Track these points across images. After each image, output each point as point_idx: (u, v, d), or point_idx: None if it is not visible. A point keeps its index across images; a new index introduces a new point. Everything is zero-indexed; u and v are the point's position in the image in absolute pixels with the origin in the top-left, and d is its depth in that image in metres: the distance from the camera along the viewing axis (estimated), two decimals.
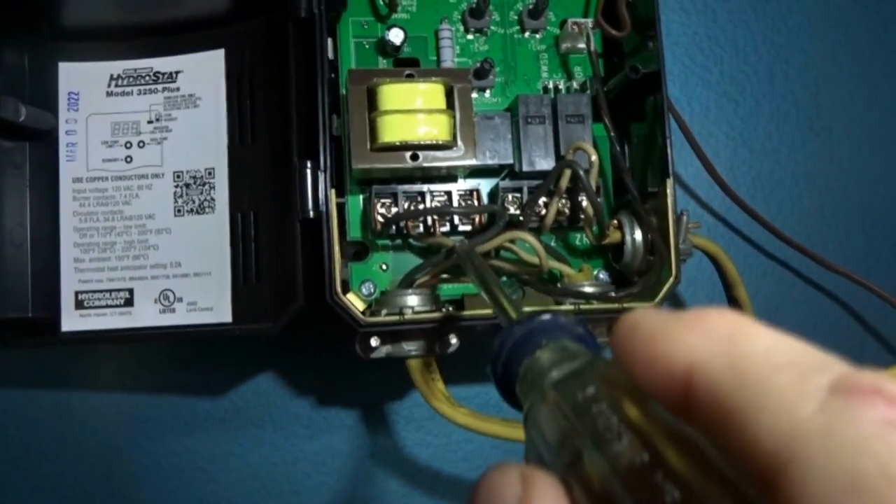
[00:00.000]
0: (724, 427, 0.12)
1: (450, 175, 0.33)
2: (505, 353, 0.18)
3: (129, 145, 0.34)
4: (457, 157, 0.31)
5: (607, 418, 0.13)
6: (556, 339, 0.17)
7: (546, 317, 0.18)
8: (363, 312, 0.30)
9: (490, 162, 0.32)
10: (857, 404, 0.11)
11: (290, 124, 0.31)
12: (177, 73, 0.34)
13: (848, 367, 0.12)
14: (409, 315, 0.30)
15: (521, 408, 0.17)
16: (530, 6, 0.35)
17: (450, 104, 0.31)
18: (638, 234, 0.33)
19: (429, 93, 0.30)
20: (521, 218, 0.32)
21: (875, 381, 0.11)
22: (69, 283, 0.33)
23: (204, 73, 0.34)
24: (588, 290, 0.32)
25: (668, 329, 0.14)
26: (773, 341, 0.13)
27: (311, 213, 0.30)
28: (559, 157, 0.32)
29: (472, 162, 0.31)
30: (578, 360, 0.16)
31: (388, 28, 0.33)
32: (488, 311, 0.30)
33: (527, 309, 0.20)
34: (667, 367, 0.13)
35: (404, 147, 0.30)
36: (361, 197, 0.33)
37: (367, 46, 0.34)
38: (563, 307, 0.31)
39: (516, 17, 0.35)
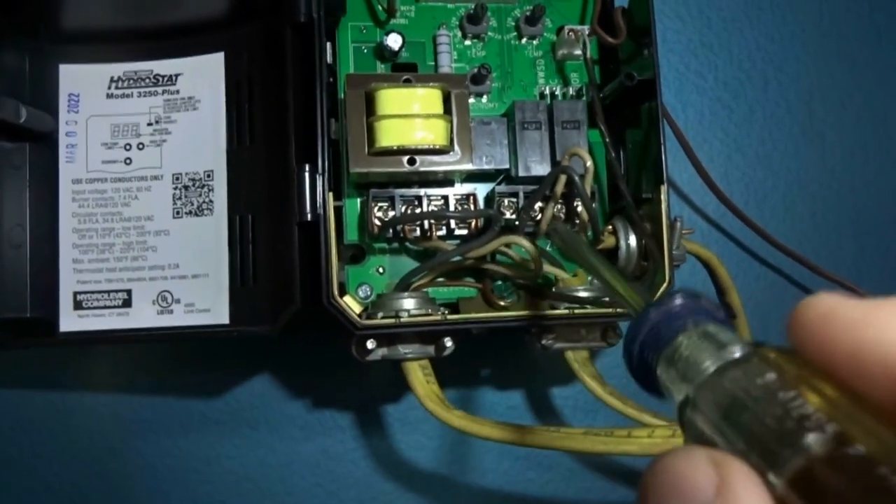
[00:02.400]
0: None
1: (446, 179, 0.33)
2: (641, 339, 0.17)
3: (128, 147, 0.34)
4: (453, 162, 0.31)
5: (801, 406, 0.12)
6: (700, 324, 0.16)
7: (682, 298, 0.17)
8: (359, 315, 0.30)
9: (486, 167, 0.33)
10: None
11: (288, 128, 0.31)
12: (177, 75, 0.34)
13: None
14: (405, 318, 0.30)
15: (661, 395, 0.16)
16: (527, 13, 0.35)
17: (447, 109, 0.31)
18: (632, 240, 0.33)
19: (426, 98, 0.31)
20: (516, 222, 0.33)
21: None
22: (68, 284, 0.33)
23: (203, 76, 0.34)
24: (583, 294, 0.32)
25: (876, 316, 0.12)
26: None
27: (309, 216, 0.30)
28: (555, 163, 0.33)
29: (469, 166, 0.31)
30: (734, 348, 0.15)
31: (387, 33, 0.33)
32: (484, 315, 0.31)
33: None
34: (877, 359, 0.12)
35: (402, 151, 0.30)
36: (359, 200, 0.33)
37: (365, 51, 0.34)
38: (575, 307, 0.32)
39: (513, 24, 0.36)
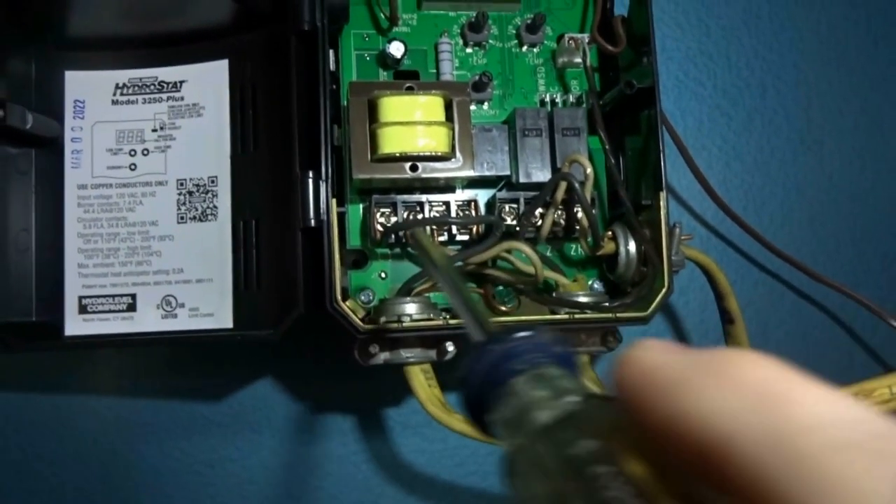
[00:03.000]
0: None
1: (448, 185, 0.33)
2: (477, 377, 0.16)
3: (133, 153, 0.34)
4: (455, 169, 0.31)
5: (618, 489, 0.11)
6: (538, 366, 0.15)
7: (525, 336, 0.16)
8: (362, 319, 0.30)
9: (487, 173, 0.33)
10: None
11: (291, 134, 0.32)
12: (181, 82, 0.35)
13: None
14: (407, 323, 0.30)
15: (493, 437, 0.15)
16: (528, 21, 0.35)
17: (449, 116, 0.32)
18: (632, 246, 0.33)
19: (428, 105, 0.31)
20: (517, 228, 0.33)
21: None
22: (73, 288, 0.34)
23: (208, 82, 0.35)
24: (582, 299, 0.33)
25: (690, 381, 0.11)
26: (823, 407, 0.10)
27: (313, 222, 0.30)
28: (555, 169, 0.33)
29: (470, 173, 0.32)
30: (569, 399, 0.14)
31: (389, 41, 0.34)
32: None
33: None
34: (691, 431, 0.11)
35: (404, 158, 0.31)
36: (361, 206, 0.34)
37: (368, 59, 0.35)
38: (557, 315, 0.32)
39: (514, 32, 0.36)
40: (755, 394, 0.11)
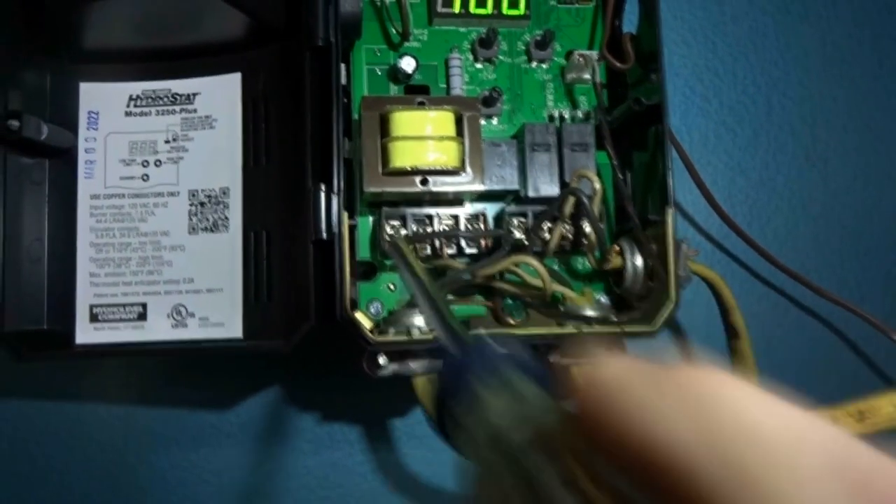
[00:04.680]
0: None
1: (457, 199, 0.34)
2: (441, 385, 0.16)
3: (146, 164, 0.35)
4: (465, 183, 0.32)
5: (549, 476, 0.12)
6: (500, 374, 0.15)
7: (490, 344, 0.16)
8: (371, 331, 0.31)
9: (497, 187, 0.34)
10: None
11: (303, 147, 0.32)
12: (194, 94, 0.35)
13: (867, 456, 0.10)
14: (416, 335, 0.31)
15: (453, 443, 0.16)
16: (538, 37, 0.36)
17: (459, 131, 0.32)
18: (639, 260, 0.34)
19: (439, 120, 0.32)
20: (525, 242, 0.33)
21: None
22: (84, 297, 0.34)
23: (221, 95, 0.35)
24: (590, 313, 0.33)
25: (635, 388, 0.11)
26: (760, 412, 0.10)
27: (325, 235, 0.31)
28: (563, 184, 0.33)
29: (480, 187, 0.32)
30: (526, 410, 0.14)
31: (401, 56, 0.34)
32: (494, 332, 0.31)
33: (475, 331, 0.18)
34: (633, 436, 0.11)
35: (414, 172, 0.31)
36: (371, 218, 0.34)
37: (379, 73, 0.35)
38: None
39: (524, 48, 0.36)
40: (696, 402, 0.11)
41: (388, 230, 0.33)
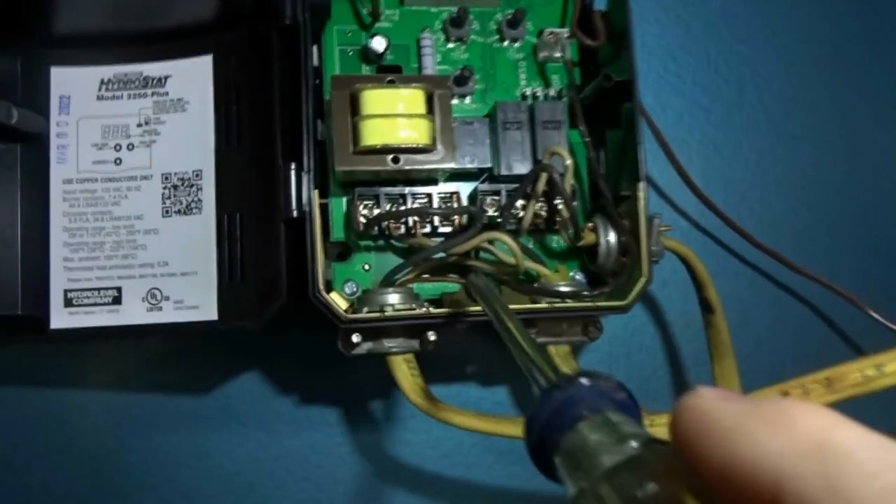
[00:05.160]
0: None
1: (430, 178, 0.34)
2: (541, 422, 0.16)
3: (118, 148, 0.35)
4: (437, 161, 0.32)
5: None
6: (600, 411, 0.16)
7: (586, 382, 0.16)
8: (346, 311, 0.31)
9: (469, 165, 0.34)
10: None
11: (274, 128, 0.32)
12: (166, 78, 0.35)
13: None
14: (389, 312, 0.31)
15: (557, 480, 0.16)
16: (509, 16, 0.36)
17: (430, 109, 0.32)
18: (612, 237, 0.34)
19: (410, 98, 0.32)
20: (499, 220, 0.34)
21: None
22: (58, 282, 0.34)
23: (192, 78, 0.35)
24: (563, 289, 0.33)
25: (747, 427, 0.12)
26: (874, 452, 0.11)
27: (295, 213, 0.31)
28: (536, 162, 0.34)
29: (452, 165, 0.32)
30: (632, 444, 0.14)
31: (372, 36, 0.34)
32: (467, 309, 0.31)
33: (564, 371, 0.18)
34: (746, 475, 0.11)
35: (386, 150, 0.31)
36: (345, 199, 0.34)
37: (350, 54, 0.35)
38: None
39: (495, 27, 0.36)
40: (811, 441, 0.11)
41: (362, 210, 0.33)
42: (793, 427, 0.11)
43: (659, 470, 0.13)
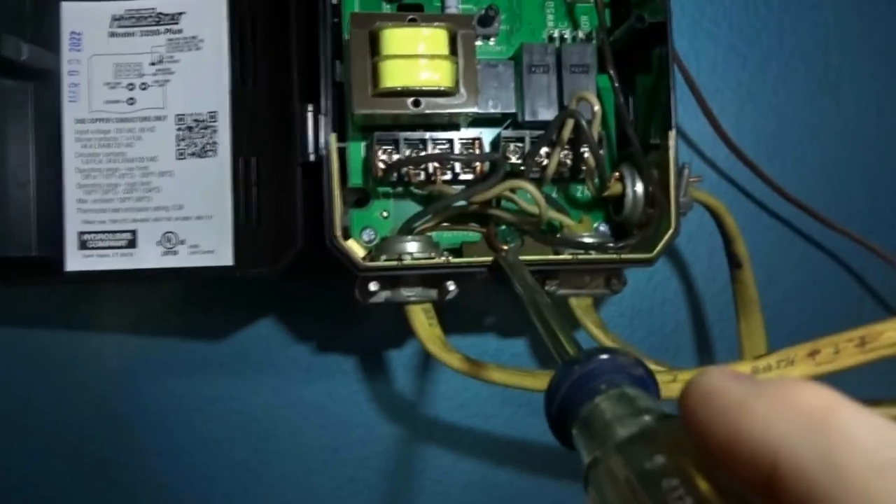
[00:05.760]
0: None
1: (452, 123, 0.33)
2: (561, 395, 0.17)
3: (131, 87, 0.34)
4: (459, 105, 0.31)
5: (680, 498, 0.12)
6: (617, 385, 0.16)
7: (605, 357, 0.17)
8: (363, 258, 0.30)
9: (492, 110, 0.32)
10: None
11: (291, 68, 0.31)
12: (179, 14, 0.34)
13: None
14: (407, 261, 0.30)
15: (573, 449, 0.17)
16: None
17: (453, 50, 0.31)
18: (639, 187, 0.33)
19: (432, 38, 0.30)
20: (522, 168, 0.32)
21: None
22: (73, 224, 0.33)
23: (206, 14, 0.34)
24: (587, 240, 0.32)
25: (749, 404, 0.12)
26: (872, 430, 0.11)
27: (312, 157, 0.30)
28: (562, 108, 0.32)
29: (474, 110, 0.31)
30: (645, 419, 0.15)
31: None
32: (487, 259, 0.31)
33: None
34: (748, 449, 0.12)
35: (406, 93, 0.30)
36: (363, 144, 0.33)
37: None
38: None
39: None
40: (811, 418, 0.12)
41: (381, 155, 0.32)
42: (794, 404, 0.12)
43: (668, 443, 0.14)
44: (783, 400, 0.12)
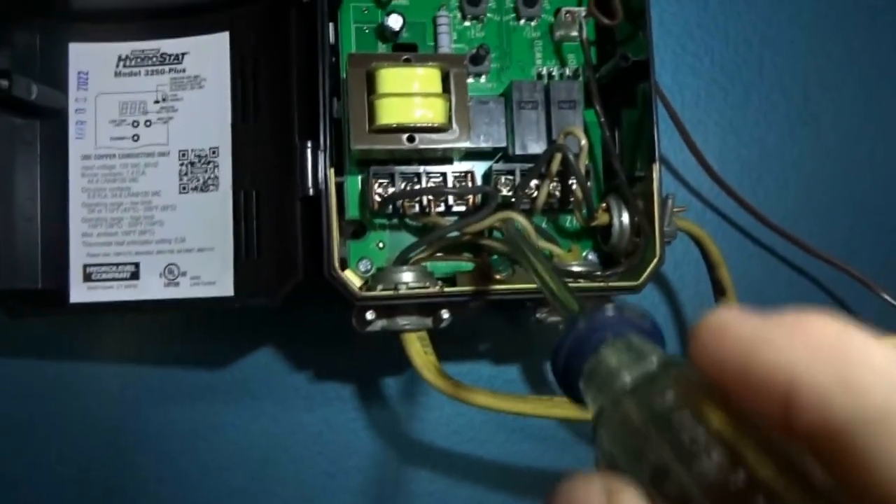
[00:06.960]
0: (835, 452, 0.11)
1: (445, 157, 0.34)
2: (567, 348, 0.17)
3: (136, 124, 0.35)
4: (452, 140, 0.32)
5: (692, 430, 0.12)
6: (623, 336, 0.16)
7: (610, 310, 0.17)
8: (360, 288, 0.31)
9: (484, 145, 0.34)
10: None
11: (291, 105, 0.32)
12: (183, 54, 0.35)
13: None
14: (403, 291, 0.31)
15: (583, 404, 0.17)
16: None
17: (446, 88, 0.32)
18: (625, 217, 0.34)
19: (425, 77, 0.32)
20: (513, 199, 0.34)
21: None
22: (78, 257, 0.34)
23: (209, 55, 0.35)
24: (576, 269, 0.33)
25: (763, 335, 0.12)
26: (886, 353, 0.12)
27: (311, 191, 0.31)
28: (551, 142, 0.34)
29: (467, 144, 0.32)
30: (651, 361, 0.15)
31: (388, 14, 0.34)
32: (480, 288, 0.32)
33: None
34: (763, 377, 0.12)
35: (401, 129, 0.31)
36: (360, 177, 0.34)
37: (367, 31, 0.35)
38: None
39: (512, 5, 0.36)
40: (826, 344, 0.12)
41: (377, 188, 0.33)
42: (807, 332, 0.12)
43: (678, 381, 0.14)
44: (797, 328, 0.12)
